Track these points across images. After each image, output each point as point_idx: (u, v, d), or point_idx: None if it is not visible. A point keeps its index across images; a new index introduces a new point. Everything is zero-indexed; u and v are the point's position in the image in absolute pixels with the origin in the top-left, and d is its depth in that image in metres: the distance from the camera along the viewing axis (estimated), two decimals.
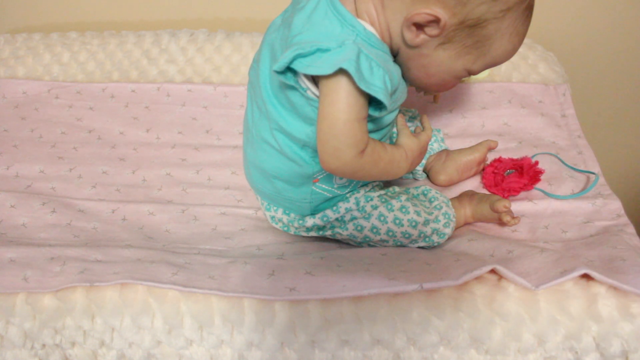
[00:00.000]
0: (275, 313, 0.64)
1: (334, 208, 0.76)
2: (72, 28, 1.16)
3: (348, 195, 0.76)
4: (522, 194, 0.85)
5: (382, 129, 0.70)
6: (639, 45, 1.20)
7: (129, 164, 0.93)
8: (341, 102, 0.59)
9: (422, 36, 0.63)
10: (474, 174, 0.89)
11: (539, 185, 0.85)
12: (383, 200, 0.76)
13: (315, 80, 0.62)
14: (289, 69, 0.61)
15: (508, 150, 0.92)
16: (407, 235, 0.76)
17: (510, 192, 0.84)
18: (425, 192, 0.80)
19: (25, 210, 0.83)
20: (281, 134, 0.70)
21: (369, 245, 0.78)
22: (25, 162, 0.92)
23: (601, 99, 1.27)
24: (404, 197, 0.77)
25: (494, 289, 0.64)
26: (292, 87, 0.64)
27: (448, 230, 0.77)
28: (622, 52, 1.20)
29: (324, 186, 0.74)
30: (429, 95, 0.89)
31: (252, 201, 0.87)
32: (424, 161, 0.89)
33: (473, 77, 0.97)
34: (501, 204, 0.77)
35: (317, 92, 0.62)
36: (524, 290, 0.64)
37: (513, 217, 0.78)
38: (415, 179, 0.91)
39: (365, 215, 0.75)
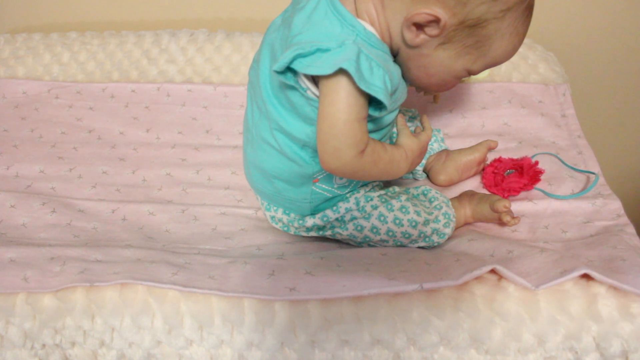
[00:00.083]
0: (275, 313, 0.64)
1: (334, 208, 0.76)
2: (72, 28, 1.16)
3: (348, 195, 0.76)
4: (522, 194, 0.85)
5: (382, 129, 0.70)
6: (639, 45, 1.20)
7: (129, 164, 0.93)
8: (341, 102, 0.59)
9: (422, 36, 0.63)
10: (474, 174, 0.89)
11: (539, 185, 0.85)
12: (383, 200, 0.76)
13: (315, 80, 0.62)
14: (289, 69, 0.61)
15: (508, 150, 0.92)
16: (407, 235, 0.76)
17: (510, 192, 0.84)
18: (425, 192, 0.80)
19: (25, 210, 0.83)
20: (281, 134, 0.70)
21: (369, 245, 0.78)
22: (25, 162, 0.92)
23: (601, 99, 1.27)
24: (404, 197, 0.77)
25: (494, 289, 0.64)
26: (292, 87, 0.64)
27: (448, 230, 0.77)
28: (622, 52, 1.20)
29: (324, 186, 0.74)
30: (429, 95, 0.89)
31: (252, 201, 0.87)
32: (424, 161, 0.89)
33: (473, 77, 0.97)
34: (501, 204, 0.77)
35: (317, 92, 0.62)
36: (524, 290, 0.64)
37: (513, 217, 0.78)
38: (415, 179, 0.91)
39: (365, 215, 0.75)
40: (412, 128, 0.86)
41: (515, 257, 0.69)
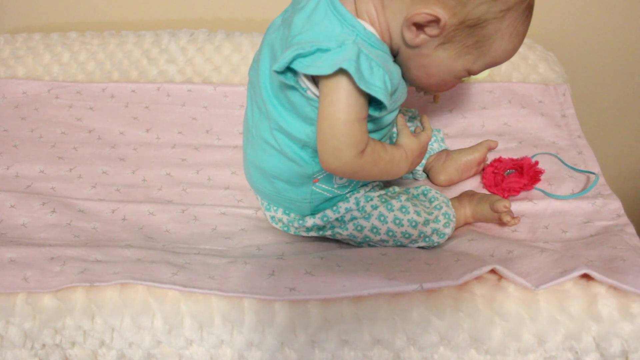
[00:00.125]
0: (275, 313, 0.64)
1: (334, 208, 0.76)
2: (72, 28, 1.16)
3: (348, 195, 0.76)
4: (522, 194, 0.85)
5: (382, 129, 0.70)
6: (639, 45, 1.20)
7: (129, 164, 0.93)
8: (341, 102, 0.59)
9: (422, 36, 0.63)
10: (474, 174, 0.89)
11: (539, 185, 0.85)
12: (383, 200, 0.76)
13: (315, 80, 0.62)
14: (289, 69, 0.61)
15: (508, 150, 0.92)
16: (407, 235, 0.76)
17: (510, 192, 0.84)
18: (425, 192, 0.80)
19: (25, 210, 0.83)
20: (281, 134, 0.70)
21: (369, 245, 0.78)
22: (25, 162, 0.92)
23: (601, 99, 1.27)
24: (404, 197, 0.77)
25: (494, 289, 0.64)
26: (292, 87, 0.64)
27: (448, 230, 0.77)
28: (622, 52, 1.20)
29: (324, 186, 0.74)
30: (429, 95, 0.89)
31: (252, 201, 0.87)
32: (424, 161, 0.89)
33: (473, 77, 0.96)
34: (501, 204, 0.77)
35: (317, 92, 0.62)
36: (524, 290, 0.64)
37: (513, 217, 0.78)
38: (415, 179, 0.91)
39: (365, 215, 0.75)
40: (412, 128, 0.86)
41: (515, 257, 0.69)
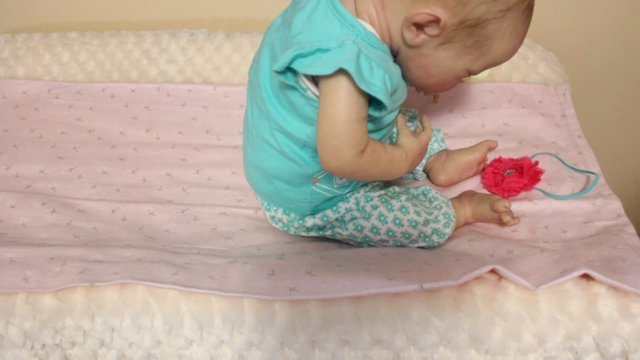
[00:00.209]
0: (275, 313, 0.64)
1: (334, 208, 0.76)
2: (72, 28, 1.16)
3: (348, 195, 0.76)
4: (522, 194, 0.85)
5: (382, 129, 0.70)
6: (639, 45, 1.19)
7: (129, 164, 0.93)
8: (341, 102, 0.59)
9: (422, 36, 0.63)
10: (474, 174, 0.89)
11: (539, 185, 0.85)
12: (383, 200, 0.76)
13: (315, 80, 0.62)
14: (289, 69, 0.61)
15: (508, 150, 0.92)
16: (407, 235, 0.76)
17: (510, 192, 0.84)
18: (425, 192, 0.80)
19: (25, 210, 0.83)
20: (281, 134, 0.70)
21: (369, 245, 0.78)
22: (25, 162, 0.92)
23: (601, 99, 1.27)
24: (404, 197, 0.77)
25: (494, 289, 0.64)
26: (292, 87, 0.64)
27: (448, 230, 0.77)
28: (622, 52, 1.20)
29: (324, 186, 0.74)
30: (429, 95, 0.89)
31: (252, 201, 0.87)
32: (424, 161, 0.89)
33: (473, 77, 0.96)
34: (501, 204, 0.77)
35: (317, 92, 0.62)
36: (524, 290, 0.64)
37: (513, 217, 0.78)
38: (415, 179, 0.91)
39: (365, 215, 0.75)
40: (412, 128, 0.86)
41: (515, 257, 0.69)
